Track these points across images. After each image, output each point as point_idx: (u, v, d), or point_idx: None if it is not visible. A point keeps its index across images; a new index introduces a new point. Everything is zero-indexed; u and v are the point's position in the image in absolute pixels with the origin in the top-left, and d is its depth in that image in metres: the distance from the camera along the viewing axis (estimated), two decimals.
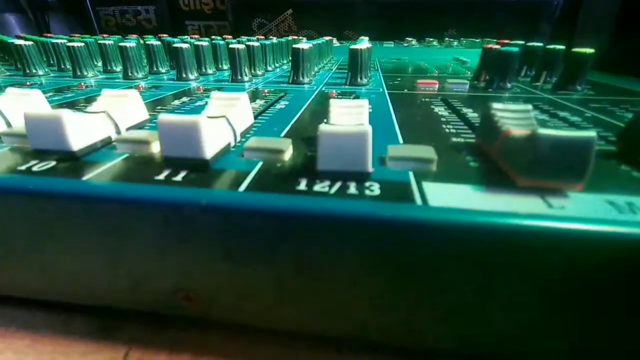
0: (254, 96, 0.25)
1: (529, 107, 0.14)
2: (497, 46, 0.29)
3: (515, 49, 0.27)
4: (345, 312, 0.11)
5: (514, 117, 0.13)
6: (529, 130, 0.11)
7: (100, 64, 0.36)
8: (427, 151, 0.12)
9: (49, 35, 0.50)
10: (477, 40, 0.61)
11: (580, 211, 0.09)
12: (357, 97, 0.25)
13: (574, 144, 0.10)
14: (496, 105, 0.14)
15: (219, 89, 0.29)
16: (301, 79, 0.30)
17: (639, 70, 0.35)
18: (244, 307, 0.12)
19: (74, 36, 0.50)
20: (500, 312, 0.10)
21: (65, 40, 0.37)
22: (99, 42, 0.35)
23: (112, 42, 0.35)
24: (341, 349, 0.12)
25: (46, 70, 0.34)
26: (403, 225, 0.09)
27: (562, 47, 0.30)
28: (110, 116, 0.15)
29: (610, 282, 0.09)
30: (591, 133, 0.10)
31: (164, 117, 0.11)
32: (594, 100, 0.25)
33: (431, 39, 0.66)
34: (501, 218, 0.09)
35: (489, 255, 0.09)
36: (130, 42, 0.33)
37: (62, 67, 0.36)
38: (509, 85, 0.28)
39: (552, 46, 0.30)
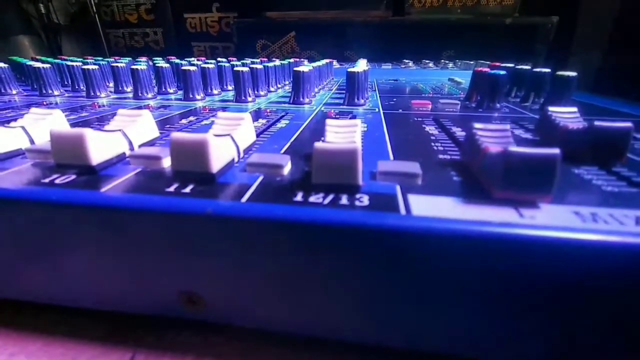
0: (256, 115, 0.27)
1: (507, 126, 0.15)
2: (487, 69, 0.31)
3: (502, 73, 0.28)
4: (340, 314, 0.12)
5: (493, 135, 0.15)
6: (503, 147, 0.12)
7: (112, 84, 0.38)
8: (413, 167, 0.13)
9: (63, 57, 0.53)
10: (472, 62, 0.63)
11: (548, 220, 0.10)
12: (353, 117, 0.26)
13: (541, 159, 0.11)
14: (477, 125, 0.15)
15: (224, 109, 0.30)
16: (301, 99, 0.32)
17: (623, 91, 0.37)
18: (246, 309, 0.13)
19: (87, 58, 0.52)
20: (476, 312, 0.11)
21: (80, 63, 0.39)
22: (112, 64, 0.37)
23: (124, 64, 0.37)
24: (342, 351, 0.13)
25: (61, 90, 0.36)
26: (387, 231, 0.10)
27: (548, 70, 0.32)
28: (125, 134, 0.16)
29: (570, 283, 0.10)
30: (556, 150, 0.11)
31: (176, 135, 0.12)
32: None
33: (427, 61, 0.69)
34: (474, 226, 0.10)
35: (463, 259, 0.10)
36: (141, 65, 0.35)
37: (76, 87, 0.38)
38: (498, 105, 0.29)
39: (538, 69, 0.32)
